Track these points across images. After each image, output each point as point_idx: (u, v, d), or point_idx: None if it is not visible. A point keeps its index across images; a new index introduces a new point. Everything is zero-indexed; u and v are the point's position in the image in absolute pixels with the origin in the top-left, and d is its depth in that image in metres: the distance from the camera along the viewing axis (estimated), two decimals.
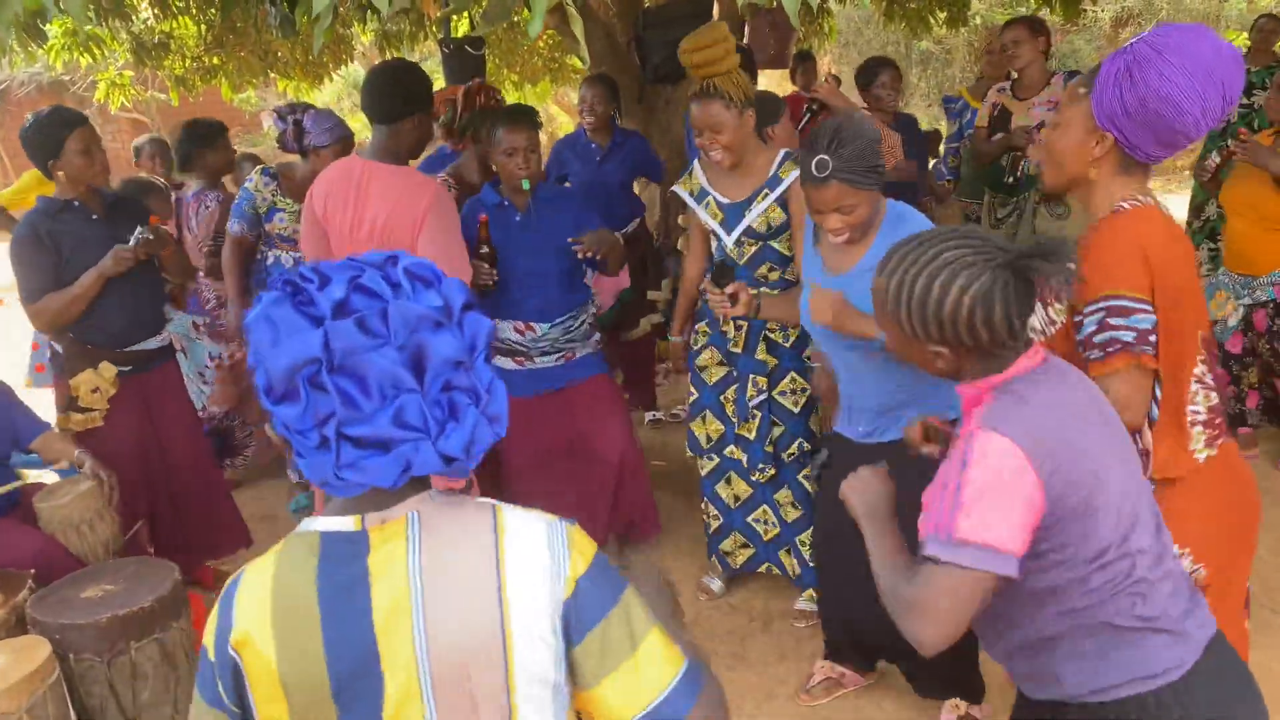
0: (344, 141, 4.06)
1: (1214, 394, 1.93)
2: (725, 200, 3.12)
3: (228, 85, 7.88)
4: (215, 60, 7.54)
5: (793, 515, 3.27)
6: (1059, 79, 4.44)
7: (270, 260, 4.16)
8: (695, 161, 3.24)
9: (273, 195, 4.09)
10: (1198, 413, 1.91)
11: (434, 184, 3.05)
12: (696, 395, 3.38)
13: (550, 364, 3.47)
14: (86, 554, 3.05)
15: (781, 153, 3.07)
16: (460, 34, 5.91)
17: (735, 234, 3.09)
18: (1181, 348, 1.86)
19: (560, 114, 15.15)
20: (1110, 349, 1.77)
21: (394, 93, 3.00)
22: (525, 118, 3.33)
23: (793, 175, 2.98)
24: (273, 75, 8.11)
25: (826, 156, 2.32)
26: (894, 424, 2.53)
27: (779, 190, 3.02)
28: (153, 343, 3.52)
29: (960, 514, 1.40)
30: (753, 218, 3.06)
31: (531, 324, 3.40)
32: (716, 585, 3.57)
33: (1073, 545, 1.45)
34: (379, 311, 1.06)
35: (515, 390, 3.38)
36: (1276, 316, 3.87)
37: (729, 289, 2.76)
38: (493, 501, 1.20)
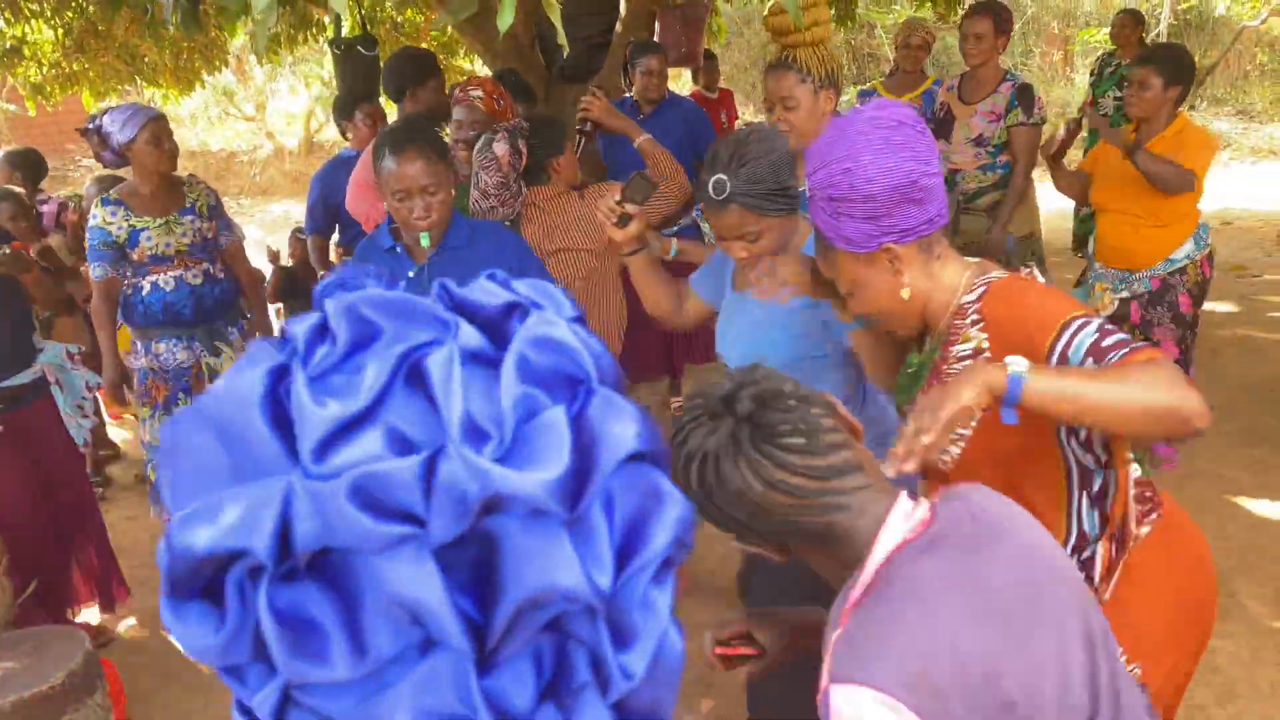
0: (152, 125, 3.54)
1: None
2: None
3: (90, 93, 7.35)
4: (76, 66, 7.01)
5: None
6: (1008, 87, 4.22)
7: (146, 290, 3.60)
8: None
9: (126, 220, 3.56)
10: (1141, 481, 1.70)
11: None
12: None
13: None
14: None
15: None
16: (350, 35, 5.61)
17: None
18: None
19: None
20: (1134, 344, 1.47)
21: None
22: (421, 141, 2.50)
23: None
24: (140, 82, 7.61)
25: (724, 176, 2.00)
26: None
27: None
28: (23, 377, 3.19)
29: None
30: None
31: None
32: None
33: None
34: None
35: None
36: (1150, 307, 3.93)
37: (630, 207, 2.33)
38: None
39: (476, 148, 3.08)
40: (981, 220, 4.31)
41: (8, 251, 3.04)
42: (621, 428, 0.52)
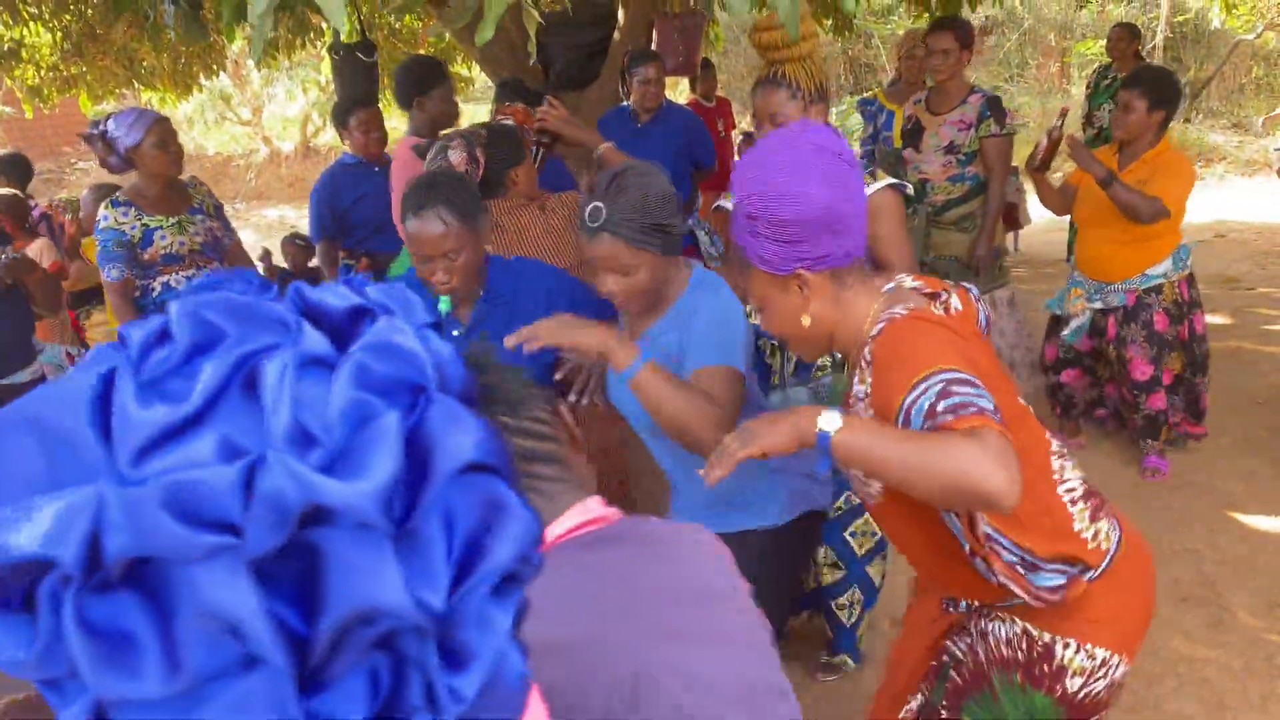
0: (158, 128, 3.57)
1: (1074, 465, 1.71)
2: None
3: (87, 96, 7.36)
4: (74, 69, 7.02)
5: (829, 578, 2.94)
6: (977, 99, 4.23)
7: (157, 291, 3.65)
8: None
9: (138, 220, 3.60)
10: (1072, 488, 1.66)
11: None
12: None
13: None
14: None
15: None
16: (348, 40, 5.62)
17: None
18: (1025, 421, 1.64)
19: None
20: (963, 411, 1.39)
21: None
22: (441, 201, 2.27)
23: (870, 189, 2.65)
24: (137, 86, 7.62)
25: (600, 204, 1.95)
26: (721, 521, 2.12)
27: None
28: (22, 376, 3.21)
29: None
30: None
31: None
32: None
33: None
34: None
35: None
36: (1126, 323, 3.97)
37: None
38: None
39: (429, 155, 2.83)
40: (950, 234, 4.32)
41: (13, 254, 3.05)
42: (460, 437, 0.50)
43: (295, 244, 5.93)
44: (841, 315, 1.63)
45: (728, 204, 2.80)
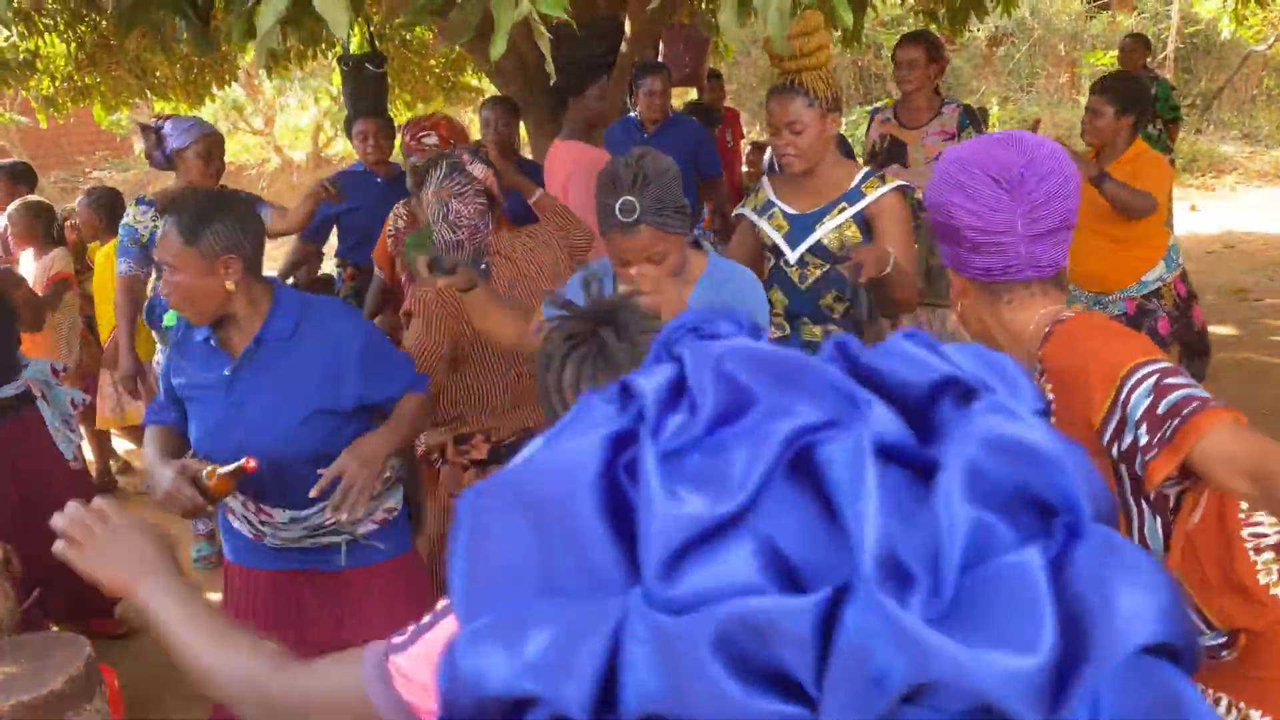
0: (206, 140, 3.74)
1: None
2: (793, 211, 2.75)
3: (101, 106, 7.43)
4: (88, 80, 7.09)
5: None
6: (952, 110, 4.25)
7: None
8: (765, 177, 2.95)
9: (153, 221, 3.72)
10: (1261, 533, 1.44)
11: None
12: None
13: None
14: None
15: (866, 169, 2.81)
16: (358, 52, 5.67)
17: (800, 250, 2.71)
18: None
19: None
20: (1188, 410, 1.28)
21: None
22: (173, 219, 2.11)
23: (879, 191, 2.68)
24: (150, 96, 7.68)
25: (631, 197, 2.01)
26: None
27: (860, 205, 2.66)
28: (7, 390, 3.25)
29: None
30: (824, 232, 2.68)
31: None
32: None
33: None
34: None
35: None
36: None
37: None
38: None
39: (437, 179, 2.61)
40: None
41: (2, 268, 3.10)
42: (1134, 597, 0.34)
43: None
44: (999, 327, 1.58)
45: (745, 211, 2.83)
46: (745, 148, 7.17)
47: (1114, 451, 1.36)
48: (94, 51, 6.79)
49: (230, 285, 2.13)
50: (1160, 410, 1.30)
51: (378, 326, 2.53)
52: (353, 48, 5.02)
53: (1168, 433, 1.28)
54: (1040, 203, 1.46)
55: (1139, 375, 1.34)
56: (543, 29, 2.02)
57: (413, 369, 2.40)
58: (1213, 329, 6.20)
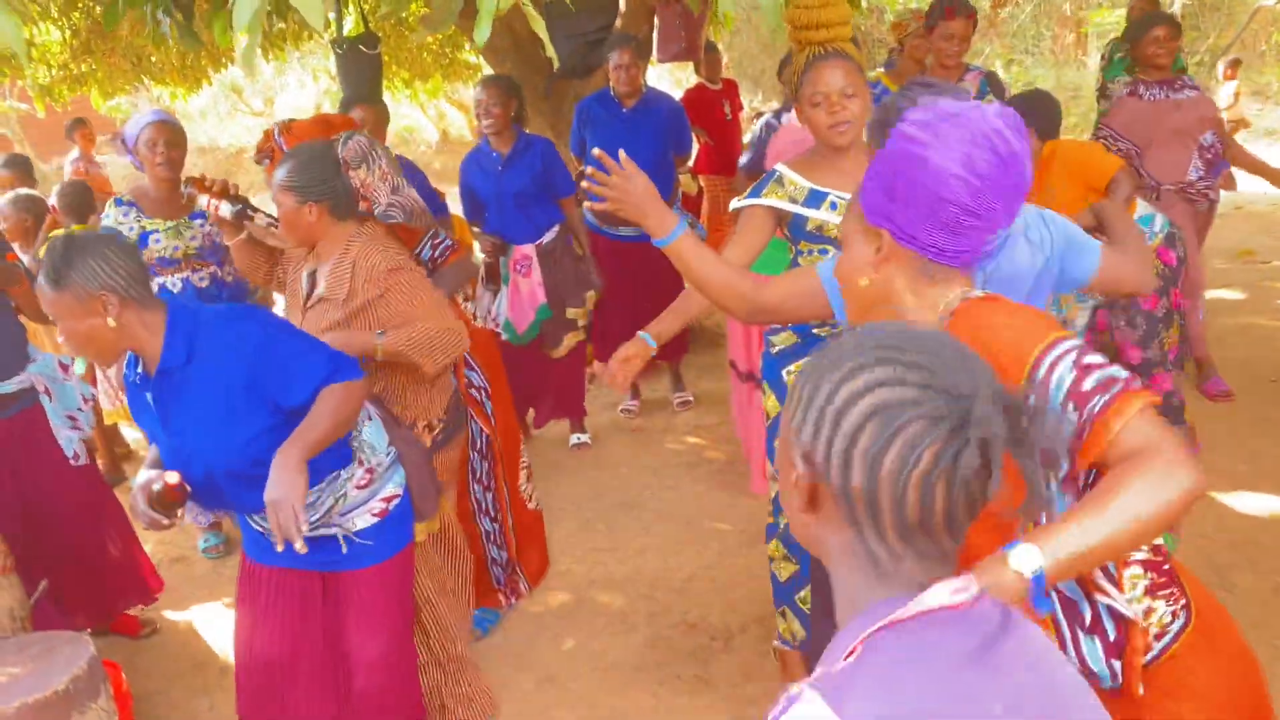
0: (150, 128, 3.67)
1: None
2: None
3: (98, 93, 7.41)
4: (84, 67, 7.07)
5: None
6: (974, 76, 4.14)
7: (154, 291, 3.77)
8: (779, 165, 2.65)
9: (136, 222, 3.72)
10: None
11: None
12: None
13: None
14: None
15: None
16: (353, 33, 5.63)
17: None
18: None
19: (451, 111, 14.81)
20: (1113, 388, 1.28)
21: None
22: None
23: None
24: (146, 80, 7.66)
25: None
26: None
27: None
28: (9, 386, 3.23)
29: None
30: None
31: None
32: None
33: None
34: None
35: None
36: (1117, 315, 3.96)
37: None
38: None
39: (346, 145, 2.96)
40: None
41: (3, 262, 3.09)
42: None
43: None
44: (914, 299, 1.51)
45: (773, 203, 2.67)
46: (746, 117, 7.09)
47: None
48: (88, 38, 6.77)
49: (112, 322, 2.10)
50: (1084, 387, 1.30)
51: (288, 323, 2.46)
52: (327, 36, 4.97)
53: (1096, 408, 1.28)
54: (1019, 191, 1.45)
55: (1055, 354, 1.33)
56: (534, 12, 2.00)
57: (330, 359, 2.27)
58: (1218, 293, 6.16)
